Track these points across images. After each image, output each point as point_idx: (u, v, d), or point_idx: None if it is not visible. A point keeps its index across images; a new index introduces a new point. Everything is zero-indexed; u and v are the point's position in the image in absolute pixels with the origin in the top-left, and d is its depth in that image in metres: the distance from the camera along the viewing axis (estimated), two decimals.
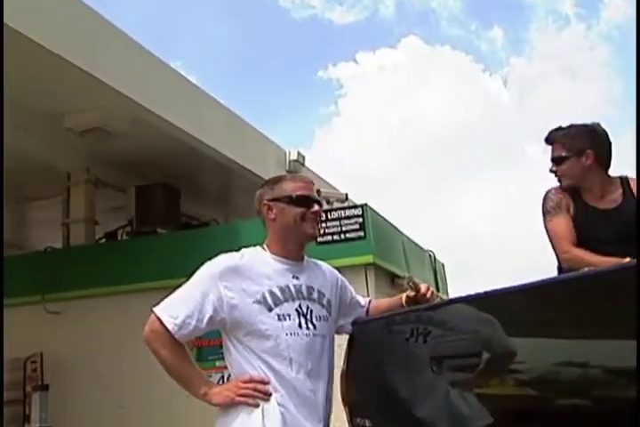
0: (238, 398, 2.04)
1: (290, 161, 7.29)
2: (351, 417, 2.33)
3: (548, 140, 2.92)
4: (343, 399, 2.38)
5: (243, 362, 2.12)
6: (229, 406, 2.07)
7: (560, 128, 2.90)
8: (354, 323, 2.40)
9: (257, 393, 2.04)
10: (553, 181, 2.92)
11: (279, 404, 2.04)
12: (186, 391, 2.18)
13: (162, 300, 2.18)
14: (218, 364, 4.90)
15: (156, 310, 2.13)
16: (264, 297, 2.12)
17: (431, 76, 27.80)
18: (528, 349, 1.69)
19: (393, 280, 5.54)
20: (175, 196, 6.53)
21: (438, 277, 7.38)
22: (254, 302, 2.11)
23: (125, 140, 5.78)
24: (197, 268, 2.23)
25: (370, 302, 2.53)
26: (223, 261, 2.20)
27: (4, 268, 4.26)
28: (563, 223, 2.80)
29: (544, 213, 2.89)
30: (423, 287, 2.32)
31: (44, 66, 4.47)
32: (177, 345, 2.11)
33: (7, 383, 5.49)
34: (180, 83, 5.78)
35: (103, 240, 6.63)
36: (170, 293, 2.21)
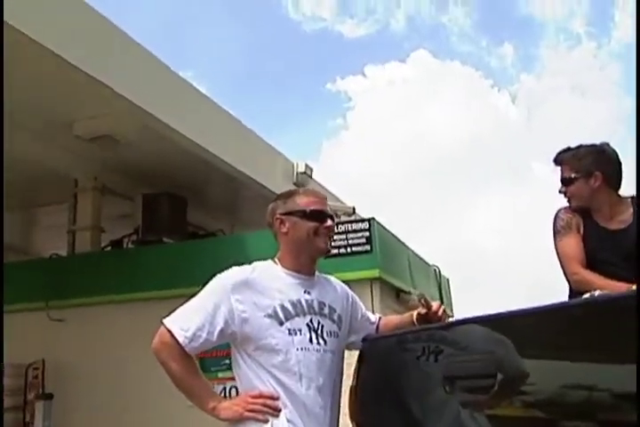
0: (247, 414, 2.02)
1: (297, 173, 7.29)
2: None
3: (557, 161, 2.91)
4: (351, 416, 2.36)
5: (252, 376, 2.10)
6: (238, 421, 2.05)
7: (568, 149, 2.89)
8: (364, 340, 2.38)
9: (266, 409, 2.02)
10: (562, 200, 2.92)
11: (288, 420, 2.02)
12: (189, 402, 2.15)
13: (166, 309, 2.17)
14: (220, 375, 4.90)
15: (167, 321, 2.11)
16: (275, 311, 2.11)
17: (440, 90, 27.90)
18: (540, 371, 1.68)
19: (398, 295, 5.52)
20: (182, 205, 6.54)
21: (443, 292, 7.36)
22: (265, 315, 2.10)
23: (133, 149, 5.80)
24: (203, 278, 2.22)
25: (380, 318, 2.51)
26: (235, 274, 2.18)
27: (8, 274, 4.25)
28: (573, 244, 2.78)
29: (554, 233, 2.87)
30: (435, 305, 2.30)
31: (54, 73, 4.47)
32: (186, 358, 2.10)
33: (8, 389, 5.48)
34: (190, 92, 5.79)
35: (109, 248, 6.62)
36: (174, 302, 2.19)
